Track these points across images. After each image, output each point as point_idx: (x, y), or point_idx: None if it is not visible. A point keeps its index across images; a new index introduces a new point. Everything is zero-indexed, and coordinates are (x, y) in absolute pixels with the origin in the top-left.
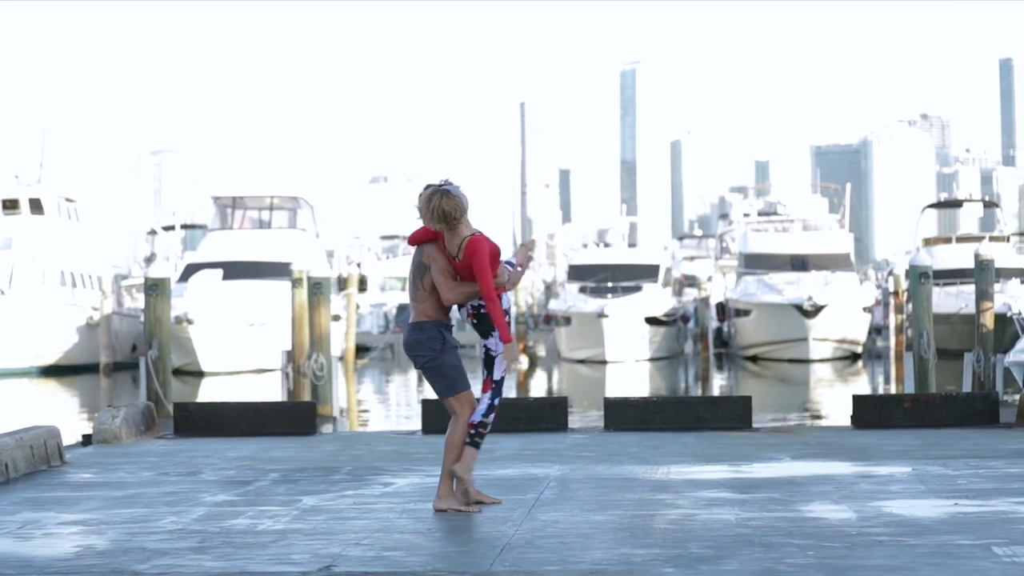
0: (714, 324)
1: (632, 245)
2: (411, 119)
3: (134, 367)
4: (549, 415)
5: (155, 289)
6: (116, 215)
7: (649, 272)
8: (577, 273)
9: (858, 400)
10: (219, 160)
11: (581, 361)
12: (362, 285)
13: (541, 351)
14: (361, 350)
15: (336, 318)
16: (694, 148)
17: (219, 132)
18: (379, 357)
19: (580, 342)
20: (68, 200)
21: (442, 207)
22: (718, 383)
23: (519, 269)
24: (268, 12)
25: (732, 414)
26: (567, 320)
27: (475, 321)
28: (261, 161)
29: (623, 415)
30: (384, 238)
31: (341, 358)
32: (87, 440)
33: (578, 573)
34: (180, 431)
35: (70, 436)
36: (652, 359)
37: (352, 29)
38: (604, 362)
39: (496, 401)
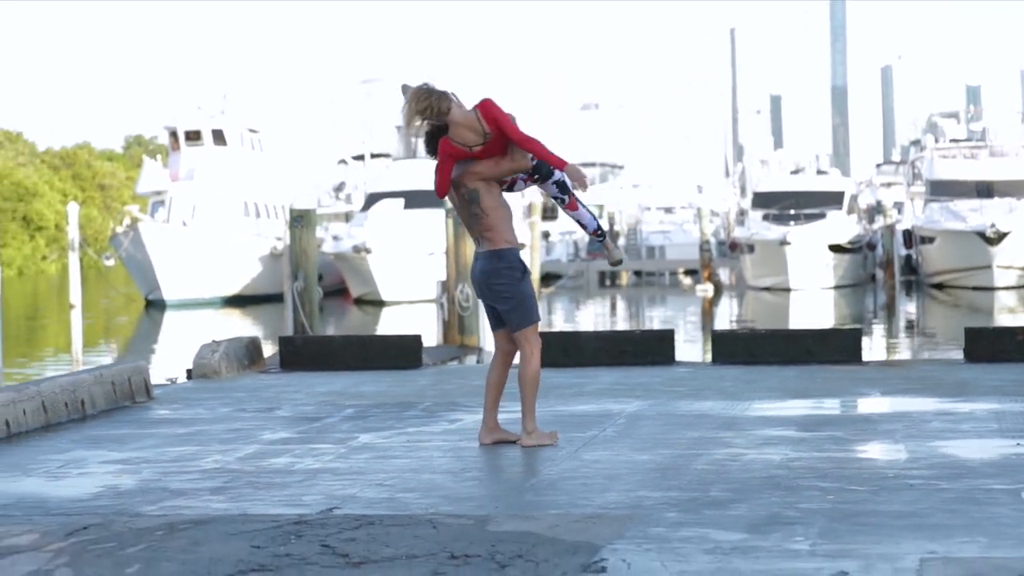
0: (903, 251)
1: (821, 172)
2: (622, 46)
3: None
4: (656, 348)
5: (300, 221)
6: (321, 144)
7: (834, 199)
8: (761, 200)
9: (971, 332)
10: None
11: (766, 289)
12: (552, 213)
13: (726, 278)
14: (551, 278)
15: (521, 246)
16: (905, 73)
17: (432, 60)
18: (567, 285)
19: (764, 270)
20: (251, 131)
21: (434, 105)
22: (903, 311)
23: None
24: None
25: (842, 347)
26: (751, 248)
27: (536, 175)
28: (471, 89)
29: (731, 348)
30: (585, 165)
31: None
32: (190, 375)
33: (576, 517)
34: (286, 366)
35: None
36: (836, 287)
37: None
38: (788, 290)
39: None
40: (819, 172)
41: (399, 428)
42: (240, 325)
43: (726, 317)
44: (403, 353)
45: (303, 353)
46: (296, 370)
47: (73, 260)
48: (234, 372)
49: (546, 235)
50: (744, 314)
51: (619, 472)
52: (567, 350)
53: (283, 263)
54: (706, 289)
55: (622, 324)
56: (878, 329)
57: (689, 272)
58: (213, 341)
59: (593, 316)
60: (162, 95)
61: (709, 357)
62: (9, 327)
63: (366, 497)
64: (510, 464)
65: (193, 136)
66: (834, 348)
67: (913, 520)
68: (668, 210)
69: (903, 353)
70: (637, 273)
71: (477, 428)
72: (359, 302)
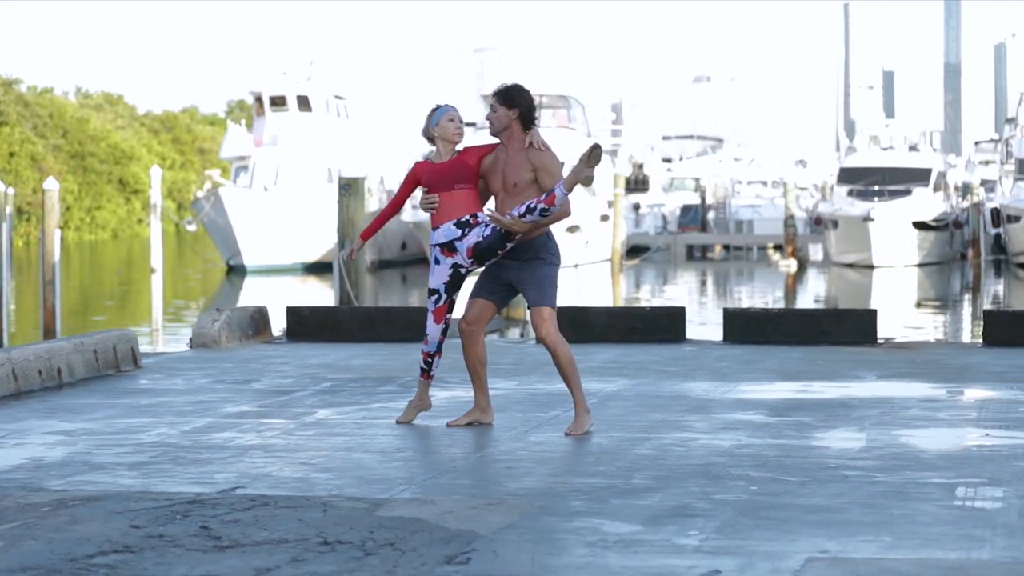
0: (992, 230)
1: (913, 149)
2: (733, 18)
3: (403, 264)
4: (666, 325)
5: (348, 189)
6: (416, 113)
7: (920, 176)
8: (847, 176)
9: (989, 315)
10: (541, 58)
11: (849, 265)
12: (643, 185)
13: (814, 255)
14: (639, 250)
15: (604, 218)
16: (1018, 51)
17: (544, 30)
18: (654, 258)
19: (847, 246)
20: (338, 97)
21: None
22: (988, 291)
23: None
24: None
25: (856, 328)
26: (835, 223)
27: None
28: (580, 59)
29: (743, 327)
30: (683, 138)
31: (610, 259)
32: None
33: (476, 503)
34: (292, 336)
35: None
36: (921, 264)
37: None
38: (871, 267)
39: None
40: (911, 149)
41: (363, 404)
42: (318, 292)
43: (809, 294)
44: (410, 325)
45: (309, 324)
46: (302, 341)
47: (155, 224)
48: (236, 342)
49: (636, 207)
50: (830, 292)
51: (553, 456)
52: (576, 326)
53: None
54: (789, 264)
55: (693, 299)
56: (952, 309)
57: (777, 247)
58: (215, 310)
59: (670, 290)
60: (268, 61)
61: None
62: (97, 290)
63: (278, 476)
64: (450, 445)
65: (278, 102)
66: (849, 329)
67: (825, 515)
68: (764, 184)
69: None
70: (726, 247)
71: (443, 404)
72: None
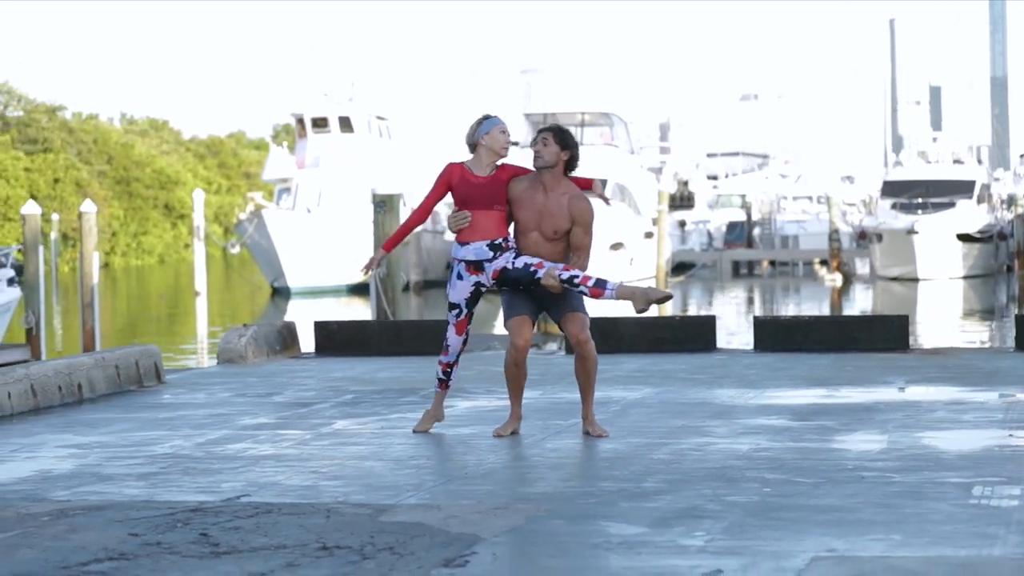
0: None
1: (957, 162)
2: (780, 36)
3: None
4: (696, 335)
5: (383, 206)
6: (455, 132)
7: (964, 188)
8: (891, 189)
9: (1021, 320)
10: (589, 78)
11: (894, 279)
12: (689, 202)
13: (860, 269)
14: (685, 267)
15: (649, 235)
16: None
17: (592, 49)
18: (699, 274)
19: (892, 259)
20: (379, 118)
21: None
22: None
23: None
24: None
25: (887, 335)
26: (880, 237)
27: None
28: (629, 79)
29: (773, 335)
30: (729, 155)
31: (655, 276)
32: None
33: (482, 508)
34: (321, 351)
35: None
36: (966, 277)
37: None
38: (916, 279)
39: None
40: (955, 162)
41: (383, 415)
42: (360, 312)
43: (854, 306)
44: (439, 338)
45: (337, 338)
46: (330, 355)
47: (199, 248)
48: (263, 357)
49: (681, 224)
50: (876, 304)
51: (568, 462)
52: (605, 336)
53: (409, 251)
54: (834, 279)
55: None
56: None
57: (823, 262)
58: (243, 326)
59: (715, 306)
60: (310, 83)
61: None
62: (143, 314)
63: (286, 484)
64: (464, 452)
65: (320, 123)
66: (880, 336)
67: (837, 515)
68: (809, 199)
69: None
70: (772, 263)
71: (463, 414)
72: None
